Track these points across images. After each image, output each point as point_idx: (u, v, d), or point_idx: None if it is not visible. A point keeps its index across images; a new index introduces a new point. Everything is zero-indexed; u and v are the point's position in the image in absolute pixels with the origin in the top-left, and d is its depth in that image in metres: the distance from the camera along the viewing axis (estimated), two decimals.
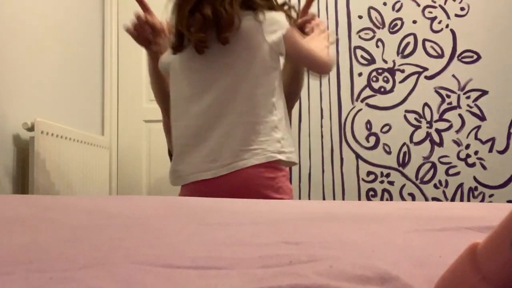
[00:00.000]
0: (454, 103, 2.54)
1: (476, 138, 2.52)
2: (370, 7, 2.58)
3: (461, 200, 2.48)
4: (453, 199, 2.50)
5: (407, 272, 0.36)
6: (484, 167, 2.51)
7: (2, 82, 1.58)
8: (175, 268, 0.38)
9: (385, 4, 2.58)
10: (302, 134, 2.53)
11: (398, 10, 2.58)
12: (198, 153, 1.27)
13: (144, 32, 1.44)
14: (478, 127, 2.53)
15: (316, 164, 2.51)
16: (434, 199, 2.50)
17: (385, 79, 2.55)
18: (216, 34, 1.24)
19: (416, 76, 2.55)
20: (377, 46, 2.56)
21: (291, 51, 1.29)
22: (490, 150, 2.52)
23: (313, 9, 2.57)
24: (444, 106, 2.54)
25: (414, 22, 2.57)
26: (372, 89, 2.55)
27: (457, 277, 0.28)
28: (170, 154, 1.67)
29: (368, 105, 2.55)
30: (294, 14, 1.46)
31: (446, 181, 2.51)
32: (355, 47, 2.57)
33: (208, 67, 1.28)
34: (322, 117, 2.55)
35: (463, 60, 2.55)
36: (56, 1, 2.01)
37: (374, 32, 2.57)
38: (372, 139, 2.53)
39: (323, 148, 2.52)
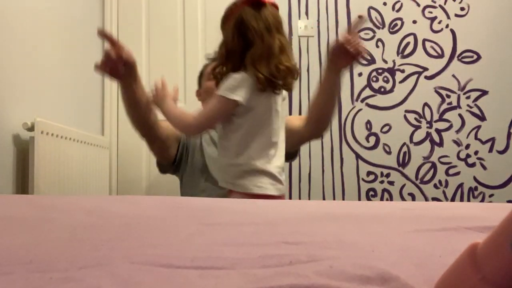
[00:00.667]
0: (454, 103, 2.54)
1: (476, 138, 2.52)
2: (370, 7, 2.58)
3: (461, 200, 2.48)
4: (453, 199, 2.50)
5: (407, 272, 0.36)
6: (484, 167, 2.51)
7: (2, 82, 1.58)
8: (175, 268, 0.38)
9: (385, 4, 2.58)
10: None
11: (398, 10, 2.58)
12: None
13: (116, 68, 1.45)
14: (478, 127, 2.53)
15: (316, 164, 2.51)
16: (434, 199, 2.50)
17: (385, 79, 2.55)
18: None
19: (416, 76, 2.55)
20: (377, 46, 2.56)
21: None
22: (490, 150, 2.52)
23: (313, 9, 2.58)
24: (444, 106, 2.54)
25: (414, 22, 2.57)
26: (372, 89, 2.55)
27: (457, 277, 0.28)
28: (158, 164, 1.79)
29: (368, 105, 2.55)
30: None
31: (446, 181, 2.51)
32: None
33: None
34: None
35: (463, 60, 2.55)
36: (56, 1, 2.01)
37: (374, 32, 2.57)
38: (372, 139, 2.53)
39: (323, 148, 2.52)
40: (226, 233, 0.55)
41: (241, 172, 1.31)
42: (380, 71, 2.55)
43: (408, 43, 2.56)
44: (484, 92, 2.54)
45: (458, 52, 2.55)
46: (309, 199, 2.49)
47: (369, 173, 2.52)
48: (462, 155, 2.52)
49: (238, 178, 1.31)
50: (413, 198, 2.50)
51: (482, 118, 2.53)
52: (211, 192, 1.56)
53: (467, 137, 2.52)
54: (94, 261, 0.40)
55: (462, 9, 2.57)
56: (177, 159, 1.73)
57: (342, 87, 2.56)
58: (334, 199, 2.48)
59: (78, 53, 2.23)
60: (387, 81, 2.55)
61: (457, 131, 2.53)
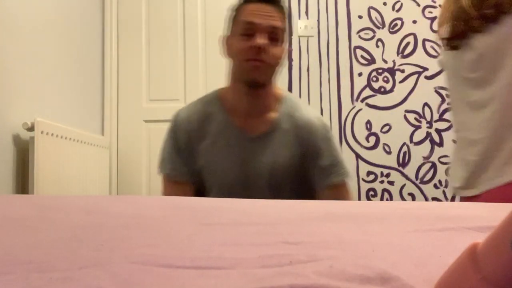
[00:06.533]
0: None
1: None
2: (370, 7, 2.58)
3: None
4: (453, 199, 2.50)
5: (407, 272, 0.36)
6: None
7: (2, 82, 1.58)
8: (175, 268, 0.38)
9: (385, 4, 2.58)
10: None
11: (398, 10, 2.58)
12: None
13: None
14: None
15: None
16: (434, 199, 2.50)
17: (385, 79, 2.55)
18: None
19: (416, 76, 2.55)
20: (377, 46, 2.56)
21: None
22: None
23: (313, 9, 2.58)
24: (444, 106, 2.54)
25: (414, 22, 2.57)
26: (372, 89, 2.55)
27: (457, 277, 0.28)
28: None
29: (368, 105, 2.55)
30: None
31: (446, 181, 2.51)
32: (355, 47, 2.57)
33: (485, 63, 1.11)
34: None
35: None
36: (56, 1, 2.01)
37: (374, 32, 2.57)
38: (372, 139, 2.53)
39: None
40: (226, 233, 0.55)
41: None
42: (380, 71, 2.55)
43: (408, 43, 2.56)
44: None
45: None
46: None
47: (369, 173, 2.52)
48: None
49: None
50: (413, 198, 2.50)
51: None
52: None
53: None
54: (94, 261, 0.40)
55: None
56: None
57: (341, 87, 2.56)
58: None
59: (78, 53, 2.23)
60: (387, 81, 2.55)
61: None
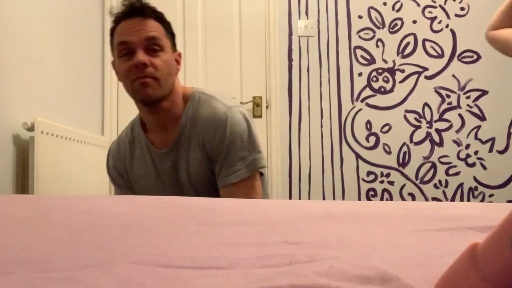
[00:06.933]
0: (454, 103, 2.54)
1: (476, 138, 2.52)
2: (370, 7, 2.58)
3: (461, 200, 2.48)
4: (453, 199, 2.50)
5: (407, 272, 0.36)
6: (484, 167, 2.51)
7: (2, 82, 1.58)
8: (175, 268, 0.38)
9: (385, 4, 2.58)
10: (302, 134, 2.53)
11: (398, 10, 2.58)
12: None
13: None
14: (478, 127, 2.53)
15: (316, 164, 2.51)
16: (434, 199, 2.50)
17: (385, 79, 2.55)
18: None
19: (416, 76, 2.55)
20: (377, 46, 2.56)
21: None
22: (490, 150, 2.52)
23: (313, 9, 2.58)
24: (444, 106, 2.54)
25: (414, 22, 2.57)
26: (372, 89, 2.55)
27: (457, 277, 0.28)
28: None
29: (368, 105, 2.55)
30: None
31: (446, 181, 2.51)
32: (355, 47, 2.57)
33: None
34: (322, 117, 2.55)
35: (463, 60, 2.55)
36: (56, 1, 2.01)
37: (374, 32, 2.57)
38: (372, 139, 2.53)
39: (323, 148, 2.52)
40: (226, 233, 0.55)
41: None
42: (380, 71, 2.55)
43: (408, 43, 2.56)
44: (484, 92, 2.54)
45: (458, 52, 2.55)
46: (309, 199, 2.49)
47: (369, 173, 2.52)
48: (462, 155, 2.52)
49: None
50: (413, 198, 2.50)
51: (482, 118, 2.53)
52: None
53: (467, 137, 2.52)
54: (94, 261, 0.40)
55: (462, 9, 2.57)
56: None
57: (341, 87, 2.57)
58: (334, 199, 2.48)
59: (78, 53, 2.22)
60: (387, 81, 2.55)
61: (457, 131, 2.53)
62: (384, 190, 2.52)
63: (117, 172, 1.38)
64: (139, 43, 1.18)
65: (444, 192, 2.50)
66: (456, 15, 2.57)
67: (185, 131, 1.24)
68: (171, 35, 1.29)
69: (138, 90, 1.19)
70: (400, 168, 2.52)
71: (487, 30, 1.60)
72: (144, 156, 1.31)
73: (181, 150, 1.25)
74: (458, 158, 2.51)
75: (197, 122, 1.23)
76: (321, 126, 2.54)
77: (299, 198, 2.49)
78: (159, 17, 1.26)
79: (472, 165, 2.51)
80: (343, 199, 2.49)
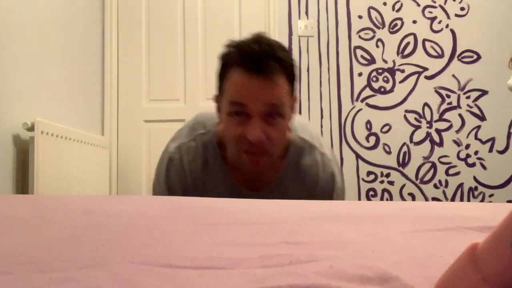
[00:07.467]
0: (454, 103, 2.54)
1: (476, 138, 2.52)
2: (370, 7, 2.58)
3: (461, 200, 2.48)
4: (453, 199, 2.50)
5: (407, 272, 0.36)
6: (484, 167, 2.51)
7: (2, 82, 1.58)
8: (175, 268, 0.38)
9: (385, 4, 2.58)
10: None
11: (398, 10, 2.58)
12: None
13: None
14: (478, 127, 2.53)
15: None
16: (434, 199, 2.50)
17: (385, 79, 2.55)
18: None
19: (416, 76, 2.55)
20: (377, 46, 2.56)
21: None
22: (490, 150, 2.52)
23: (313, 9, 2.58)
24: (444, 106, 2.54)
25: (414, 22, 2.57)
26: (372, 89, 2.55)
27: (457, 277, 0.28)
28: None
29: (368, 105, 2.55)
30: None
31: (446, 181, 2.51)
32: (355, 47, 2.57)
33: None
34: (322, 117, 2.55)
35: (463, 60, 2.55)
36: (56, 1, 2.01)
37: (374, 32, 2.57)
38: (372, 139, 2.53)
39: None
40: (226, 233, 0.54)
41: None
42: (380, 71, 2.55)
43: (408, 43, 2.56)
44: (484, 92, 2.54)
45: (458, 52, 2.55)
46: None
47: (369, 173, 2.52)
48: (462, 155, 2.52)
49: None
50: (413, 198, 2.50)
51: (482, 118, 2.53)
52: None
53: (467, 137, 2.52)
54: (94, 261, 0.40)
55: (462, 9, 2.57)
56: None
57: (341, 87, 2.56)
58: None
59: (78, 53, 2.23)
60: (387, 81, 2.55)
61: (457, 131, 2.53)
62: (384, 190, 2.52)
63: (180, 189, 1.16)
64: (258, 110, 0.97)
65: (444, 192, 2.50)
66: (456, 15, 2.57)
67: (284, 180, 1.13)
68: (294, 81, 1.06)
69: (245, 163, 1.04)
70: (400, 168, 2.52)
71: None
72: (217, 189, 1.14)
73: (276, 192, 1.12)
74: (458, 158, 2.51)
75: (300, 172, 1.12)
76: (321, 126, 2.54)
77: None
78: (286, 68, 1.02)
79: (472, 165, 2.51)
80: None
